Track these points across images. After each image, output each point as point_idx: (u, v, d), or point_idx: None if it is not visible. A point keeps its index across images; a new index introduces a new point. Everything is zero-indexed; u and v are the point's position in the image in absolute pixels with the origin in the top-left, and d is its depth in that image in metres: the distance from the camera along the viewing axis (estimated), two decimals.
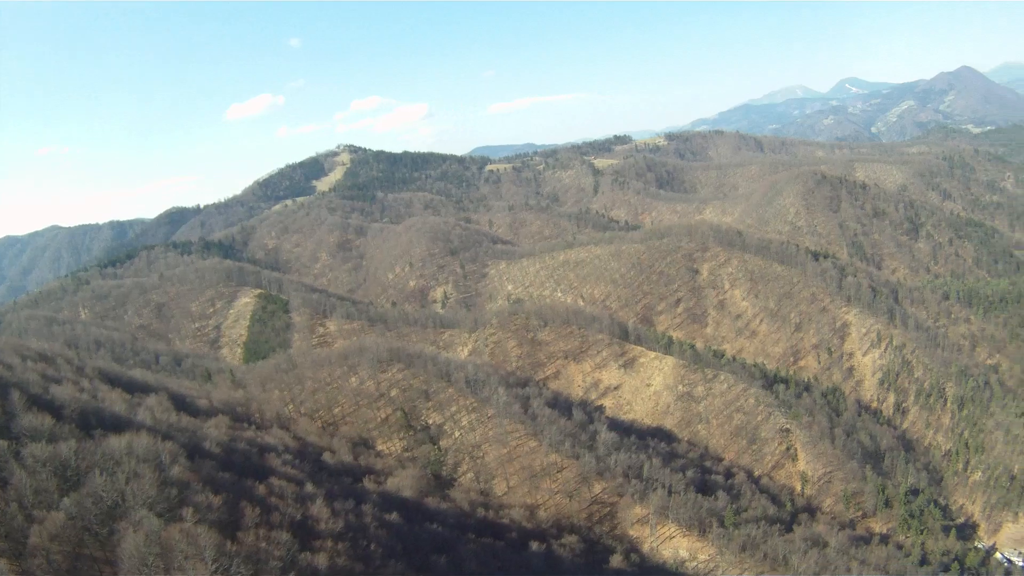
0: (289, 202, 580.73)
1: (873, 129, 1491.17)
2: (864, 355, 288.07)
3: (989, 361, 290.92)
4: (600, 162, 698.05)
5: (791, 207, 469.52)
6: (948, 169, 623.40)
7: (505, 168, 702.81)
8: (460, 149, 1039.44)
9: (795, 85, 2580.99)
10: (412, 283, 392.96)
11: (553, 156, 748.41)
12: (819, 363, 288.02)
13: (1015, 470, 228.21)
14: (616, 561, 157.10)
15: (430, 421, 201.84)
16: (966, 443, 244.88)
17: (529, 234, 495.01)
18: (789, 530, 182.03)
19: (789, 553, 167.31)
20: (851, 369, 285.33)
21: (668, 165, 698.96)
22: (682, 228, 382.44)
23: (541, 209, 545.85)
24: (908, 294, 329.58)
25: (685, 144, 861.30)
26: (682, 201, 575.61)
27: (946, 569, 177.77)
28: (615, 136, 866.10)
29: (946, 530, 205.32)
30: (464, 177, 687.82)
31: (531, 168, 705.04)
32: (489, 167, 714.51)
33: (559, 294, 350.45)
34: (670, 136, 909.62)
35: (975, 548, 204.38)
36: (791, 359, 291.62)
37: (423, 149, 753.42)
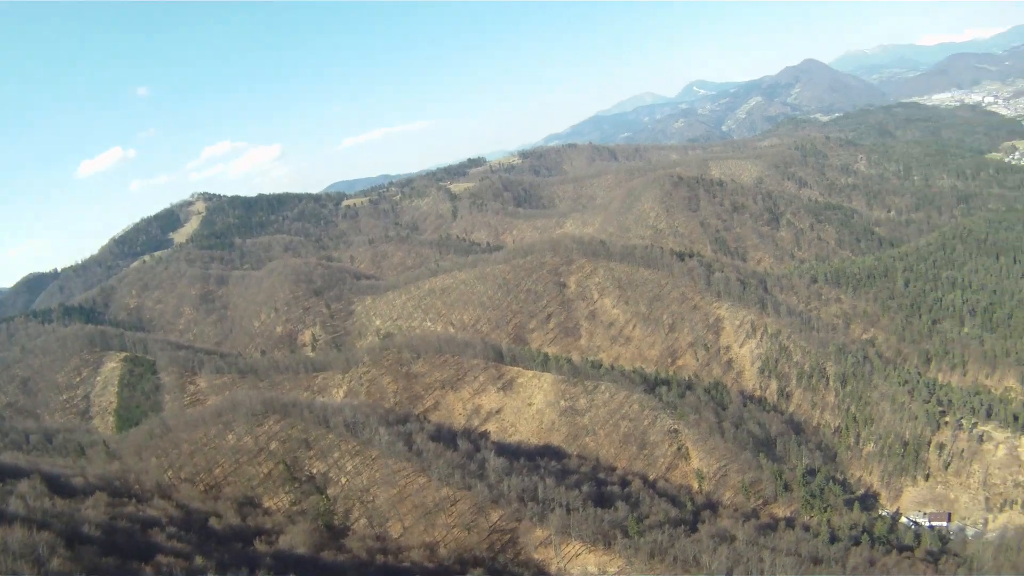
0: (147, 257, 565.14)
1: (724, 127, 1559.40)
2: (741, 347, 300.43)
3: (865, 336, 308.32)
4: (456, 187, 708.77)
5: (651, 211, 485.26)
6: (801, 158, 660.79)
7: (362, 202, 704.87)
8: (316, 187, 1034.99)
9: (644, 92, 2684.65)
10: (279, 328, 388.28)
11: (409, 185, 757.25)
12: (697, 360, 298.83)
13: (906, 436, 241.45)
14: None
15: (314, 470, 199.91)
16: (854, 417, 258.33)
17: (392, 266, 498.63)
18: (694, 530, 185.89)
19: (698, 553, 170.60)
20: (730, 362, 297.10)
21: (524, 183, 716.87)
22: (545, 244, 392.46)
23: (401, 240, 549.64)
24: (777, 282, 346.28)
25: (539, 160, 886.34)
26: (542, 217, 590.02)
27: (857, 542, 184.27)
28: (469, 159, 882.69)
29: (849, 504, 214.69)
30: (321, 215, 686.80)
31: (388, 199, 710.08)
32: (346, 202, 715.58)
33: (428, 323, 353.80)
34: (524, 154, 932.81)
35: (880, 516, 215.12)
36: (669, 360, 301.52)
37: (279, 190, 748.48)
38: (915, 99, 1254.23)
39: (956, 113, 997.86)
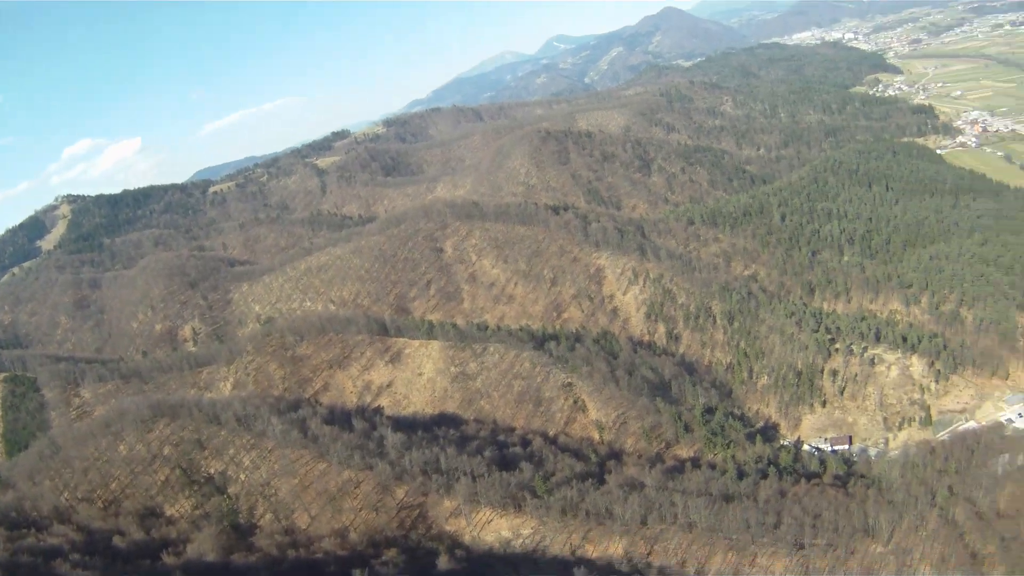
0: (16, 270, 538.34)
1: (587, 80, 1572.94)
2: (624, 294, 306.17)
3: (746, 272, 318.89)
4: (323, 161, 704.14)
5: (521, 168, 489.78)
6: (667, 103, 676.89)
7: (229, 187, 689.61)
8: (182, 176, 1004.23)
9: (504, 51, 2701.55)
10: (158, 326, 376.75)
11: (275, 165, 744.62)
12: (583, 312, 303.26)
13: (799, 366, 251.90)
14: (444, 562, 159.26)
15: (212, 470, 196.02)
16: (745, 353, 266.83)
17: (265, 249, 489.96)
18: (602, 481, 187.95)
19: (610, 504, 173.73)
20: (615, 310, 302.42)
21: (391, 151, 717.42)
22: (417, 210, 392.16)
23: (272, 221, 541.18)
24: (654, 227, 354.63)
25: (404, 127, 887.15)
26: (412, 184, 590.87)
27: (764, 475, 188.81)
28: (333, 133, 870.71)
29: (750, 437, 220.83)
30: (189, 204, 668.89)
31: (255, 181, 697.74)
32: (212, 189, 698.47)
33: (308, 303, 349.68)
34: (388, 122, 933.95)
35: (783, 446, 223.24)
36: (554, 314, 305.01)
37: (144, 184, 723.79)
38: (775, 39, 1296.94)
39: (818, 51, 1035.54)
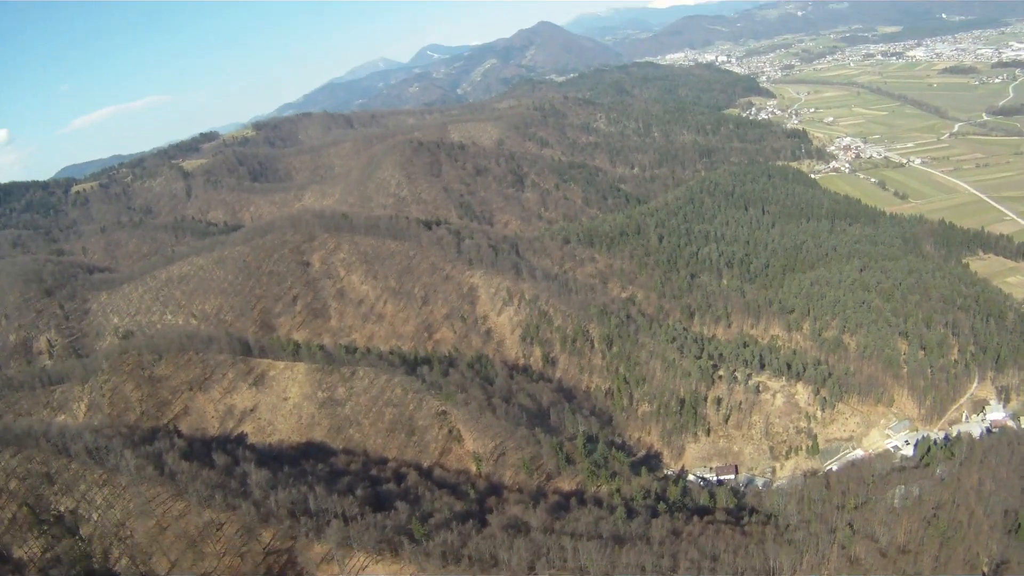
0: None
1: (459, 91, 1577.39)
2: (499, 315, 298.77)
3: (624, 295, 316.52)
4: (189, 164, 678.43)
5: (392, 179, 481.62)
6: (541, 118, 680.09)
7: (92, 187, 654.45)
8: (47, 172, 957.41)
9: (377, 58, 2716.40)
10: (12, 336, 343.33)
11: (140, 165, 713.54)
12: (455, 333, 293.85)
13: (681, 393, 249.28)
14: None
15: (62, 508, 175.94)
16: (624, 379, 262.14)
17: (127, 255, 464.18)
18: (484, 522, 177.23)
19: (494, 549, 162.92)
20: (489, 331, 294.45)
21: (260, 156, 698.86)
22: (285, 220, 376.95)
23: (135, 225, 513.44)
24: (529, 245, 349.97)
25: (274, 131, 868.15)
26: (280, 191, 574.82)
27: (655, 514, 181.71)
28: (201, 134, 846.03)
29: (634, 468, 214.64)
30: (50, 204, 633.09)
31: (119, 182, 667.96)
32: (75, 188, 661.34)
33: (169, 316, 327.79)
34: (258, 125, 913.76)
35: (667, 476, 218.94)
36: (425, 335, 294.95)
37: (7, 179, 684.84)
38: (649, 59, 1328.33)
39: (691, 71, 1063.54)
